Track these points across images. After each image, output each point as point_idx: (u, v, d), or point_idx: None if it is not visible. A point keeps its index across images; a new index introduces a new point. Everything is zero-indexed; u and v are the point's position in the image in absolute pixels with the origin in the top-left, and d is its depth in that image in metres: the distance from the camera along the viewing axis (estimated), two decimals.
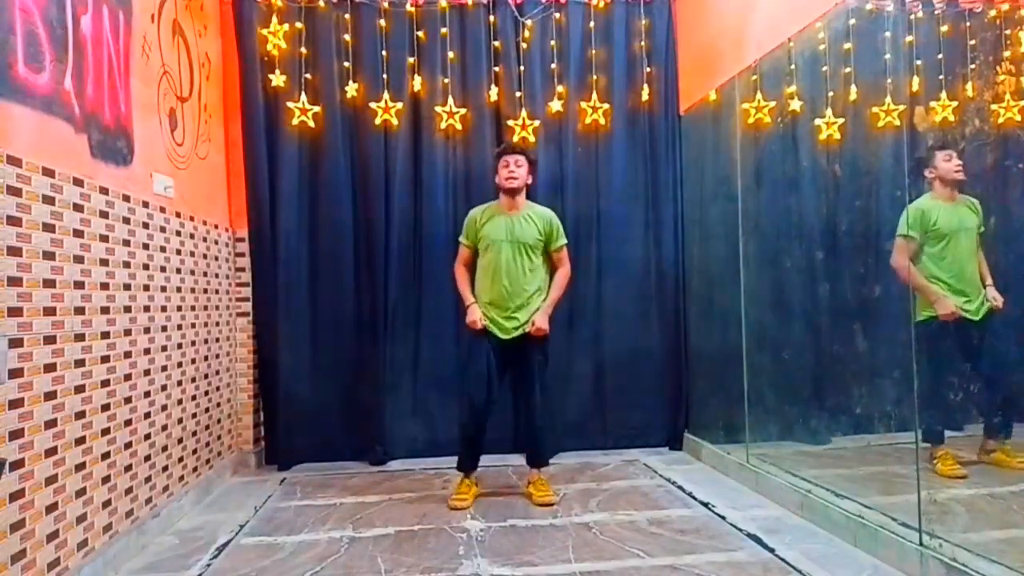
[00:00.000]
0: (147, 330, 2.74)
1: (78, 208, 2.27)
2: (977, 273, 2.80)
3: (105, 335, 2.42)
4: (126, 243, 2.59)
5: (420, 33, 3.94)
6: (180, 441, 3.06)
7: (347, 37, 3.87)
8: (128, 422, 2.57)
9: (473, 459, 3.22)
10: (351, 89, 3.87)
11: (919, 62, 2.78)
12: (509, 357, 3.16)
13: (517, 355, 3.16)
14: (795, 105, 3.21)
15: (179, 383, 3.06)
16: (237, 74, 3.83)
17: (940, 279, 2.79)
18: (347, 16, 3.86)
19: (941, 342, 2.77)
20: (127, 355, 2.57)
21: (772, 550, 2.48)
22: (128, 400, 2.58)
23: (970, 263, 2.79)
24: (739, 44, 3.45)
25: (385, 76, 3.89)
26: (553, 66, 4.03)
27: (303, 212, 3.89)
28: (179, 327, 3.07)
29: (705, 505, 3.04)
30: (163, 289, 2.91)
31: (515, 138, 3.97)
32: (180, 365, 3.08)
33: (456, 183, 4.00)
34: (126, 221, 2.60)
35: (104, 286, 2.42)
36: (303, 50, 3.84)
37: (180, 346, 3.08)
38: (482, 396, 3.11)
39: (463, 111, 3.96)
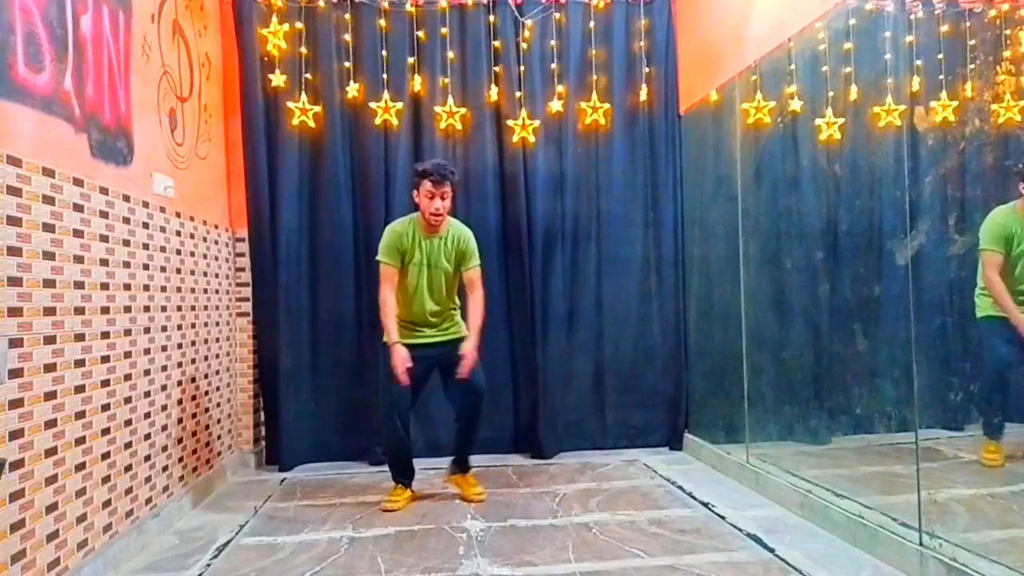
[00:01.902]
0: (147, 330, 2.74)
1: (78, 208, 2.27)
2: None
3: (105, 335, 2.41)
4: (126, 243, 2.59)
5: (420, 33, 3.94)
6: (180, 441, 3.06)
7: (347, 37, 3.87)
8: (128, 422, 2.57)
9: (409, 469, 3.22)
10: (351, 89, 3.87)
11: (919, 62, 2.78)
12: (439, 362, 3.15)
13: (448, 359, 3.10)
14: (795, 105, 3.21)
15: (179, 383, 3.06)
16: (237, 74, 3.82)
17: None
18: (347, 16, 3.86)
19: (1002, 338, 2.74)
20: (127, 355, 2.57)
21: (772, 550, 2.48)
22: (128, 400, 2.58)
23: None
24: (739, 44, 3.45)
25: (385, 76, 3.89)
26: (553, 66, 4.03)
27: (303, 212, 3.89)
28: (179, 327, 3.07)
29: (705, 505, 3.04)
30: (163, 289, 2.91)
31: (515, 138, 3.98)
32: (180, 365, 3.08)
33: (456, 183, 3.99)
34: (126, 221, 2.60)
35: (104, 286, 2.42)
36: (303, 50, 3.84)
37: (180, 346, 3.08)
38: (406, 411, 3.10)
39: (463, 111, 3.96)
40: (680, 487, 3.32)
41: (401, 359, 2.98)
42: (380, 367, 3.81)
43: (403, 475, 3.19)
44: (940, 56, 2.82)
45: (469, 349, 3.07)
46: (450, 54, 3.96)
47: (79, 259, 2.26)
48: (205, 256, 3.45)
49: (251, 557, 2.54)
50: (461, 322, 3.26)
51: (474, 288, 3.19)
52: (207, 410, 3.41)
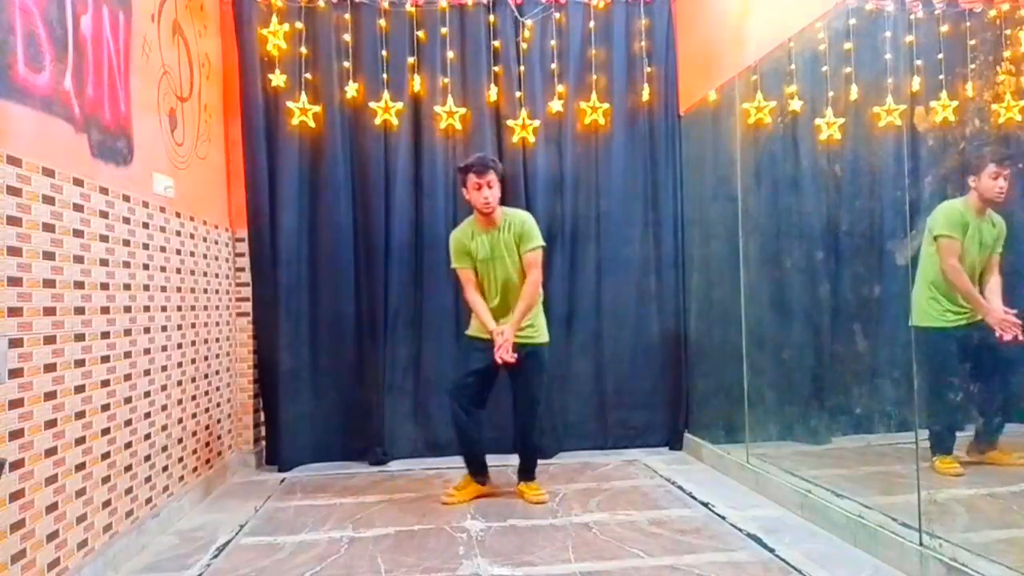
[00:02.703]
0: (147, 330, 2.74)
1: (78, 208, 2.27)
2: (976, 287, 2.73)
3: (105, 335, 2.41)
4: (126, 243, 2.59)
5: (420, 33, 3.94)
6: (180, 441, 3.06)
7: (347, 37, 3.87)
8: (128, 422, 2.57)
9: (477, 462, 3.23)
10: (351, 89, 3.87)
11: (919, 62, 2.78)
12: (507, 367, 3.13)
13: (516, 368, 3.10)
14: (795, 105, 3.21)
15: (179, 383, 3.06)
16: (237, 74, 3.82)
17: (941, 287, 2.77)
18: (347, 16, 3.86)
19: (943, 349, 2.74)
20: (127, 355, 2.57)
21: (772, 550, 2.48)
22: (128, 400, 2.58)
23: (975, 278, 2.74)
24: (739, 44, 3.45)
25: (385, 76, 3.89)
26: (553, 66, 4.04)
27: (303, 212, 3.89)
28: (179, 327, 3.07)
29: (705, 505, 3.04)
30: (163, 289, 2.91)
31: (515, 138, 3.98)
32: (180, 365, 3.08)
33: (456, 183, 3.98)
34: (126, 221, 2.60)
35: (104, 286, 2.42)
36: (303, 50, 3.84)
37: (180, 346, 3.08)
38: (468, 404, 3.12)
39: (463, 111, 3.96)
40: (680, 487, 3.32)
41: (499, 341, 2.98)
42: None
43: (471, 466, 3.21)
44: (940, 56, 2.82)
45: (504, 330, 3.00)
46: (450, 54, 3.96)
47: (79, 259, 2.26)
48: (205, 256, 3.45)
49: (251, 557, 2.54)
50: (542, 326, 3.21)
51: (529, 269, 3.11)
52: (207, 410, 3.41)
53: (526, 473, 3.25)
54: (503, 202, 4.01)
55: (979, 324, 2.70)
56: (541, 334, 3.19)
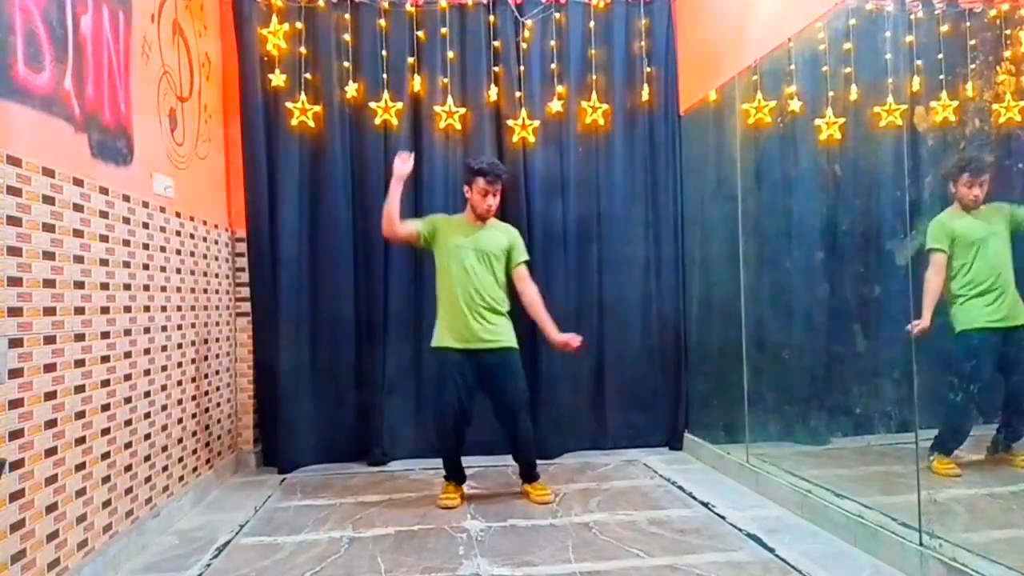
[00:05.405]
0: (147, 330, 2.74)
1: (78, 208, 2.27)
2: (1012, 280, 2.71)
3: (105, 335, 2.41)
4: (126, 243, 2.59)
5: (420, 33, 3.94)
6: (180, 441, 3.06)
7: (347, 37, 3.87)
8: (128, 422, 2.57)
9: (458, 470, 3.22)
10: (351, 89, 3.87)
11: (919, 62, 2.78)
12: (482, 373, 3.10)
13: (491, 372, 3.09)
14: (795, 105, 3.21)
15: (179, 383, 3.06)
16: (237, 74, 3.82)
17: (972, 284, 2.75)
18: (347, 16, 3.86)
19: (976, 357, 2.72)
20: (127, 355, 2.57)
21: (772, 550, 2.48)
22: (128, 400, 2.58)
23: (1006, 269, 2.72)
24: (739, 44, 3.45)
25: (385, 76, 3.89)
26: (553, 66, 4.04)
27: (303, 212, 3.88)
28: (179, 327, 3.07)
29: (705, 505, 3.04)
30: (163, 289, 2.91)
31: (515, 138, 3.98)
32: (180, 365, 3.08)
33: (456, 183, 3.98)
34: (126, 221, 2.60)
35: (104, 286, 2.42)
36: (303, 50, 3.84)
37: (180, 346, 3.08)
38: (452, 416, 3.08)
39: (463, 111, 3.96)
40: (680, 487, 3.32)
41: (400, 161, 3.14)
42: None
43: (452, 475, 3.21)
44: (940, 56, 2.82)
45: (556, 336, 3.12)
46: (450, 54, 3.96)
47: (79, 259, 2.26)
48: (205, 256, 3.45)
49: (251, 557, 2.54)
50: (511, 330, 3.17)
51: (526, 283, 3.20)
52: (207, 410, 3.41)
53: (528, 476, 3.24)
54: (502, 203, 4.04)
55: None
56: (512, 338, 3.16)
